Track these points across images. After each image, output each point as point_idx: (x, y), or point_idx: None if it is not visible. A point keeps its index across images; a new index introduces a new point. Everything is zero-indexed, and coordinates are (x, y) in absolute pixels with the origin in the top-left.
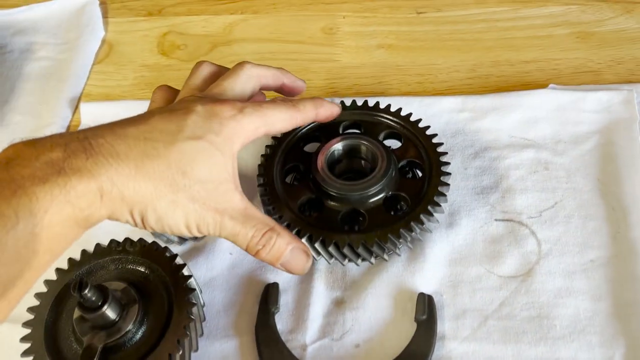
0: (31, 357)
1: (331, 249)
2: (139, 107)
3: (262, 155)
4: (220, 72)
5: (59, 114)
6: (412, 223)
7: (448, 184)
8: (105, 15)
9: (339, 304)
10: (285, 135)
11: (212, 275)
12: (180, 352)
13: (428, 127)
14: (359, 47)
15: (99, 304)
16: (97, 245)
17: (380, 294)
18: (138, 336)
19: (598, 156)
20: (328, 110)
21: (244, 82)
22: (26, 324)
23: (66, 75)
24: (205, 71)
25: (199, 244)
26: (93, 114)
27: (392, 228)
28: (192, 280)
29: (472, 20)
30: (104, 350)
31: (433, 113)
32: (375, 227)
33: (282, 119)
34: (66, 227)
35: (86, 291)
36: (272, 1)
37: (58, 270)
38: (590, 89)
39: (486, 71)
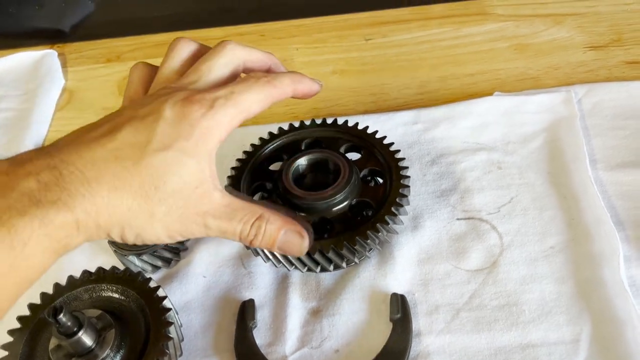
0: None
1: (303, 257)
2: None
3: (228, 177)
4: (201, 52)
5: None
6: (377, 225)
7: (408, 186)
8: (64, 65)
9: (315, 313)
10: (250, 156)
11: (187, 299)
12: None
13: (384, 137)
14: (314, 75)
15: (75, 329)
16: (70, 277)
17: (355, 298)
18: None
19: (546, 152)
20: (307, 87)
21: (224, 65)
22: None
23: (28, 123)
24: (184, 52)
25: (171, 270)
26: None
27: (359, 231)
28: (167, 300)
29: (417, 42)
30: None
31: (389, 127)
32: (344, 233)
33: (257, 101)
34: (45, 257)
35: (61, 316)
36: (226, 35)
37: (31, 305)
38: (532, 93)
39: (434, 86)
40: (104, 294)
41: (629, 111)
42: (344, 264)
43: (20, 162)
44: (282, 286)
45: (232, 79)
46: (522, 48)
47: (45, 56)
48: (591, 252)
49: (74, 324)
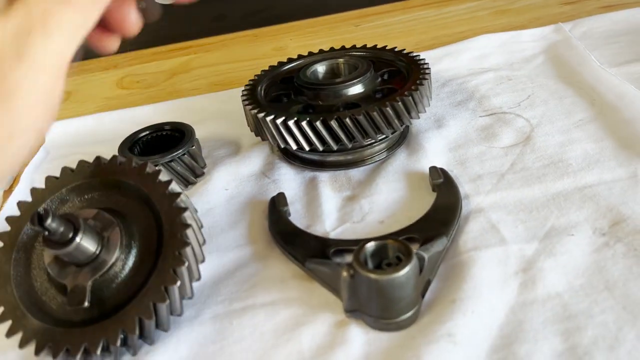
0: (9, 322)
1: (334, 124)
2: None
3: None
4: None
5: None
6: (406, 92)
7: (430, 69)
8: None
9: (350, 199)
10: (268, 72)
11: (210, 207)
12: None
13: (395, 47)
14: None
15: (70, 235)
16: (48, 179)
17: (390, 180)
18: (130, 263)
19: (551, 65)
20: None
21: None
22: None
23: None
24: None
25: (189, 191)
26: (56, 131)
27: (390, 97)
28: (174, 185)
29: (403, 22)
30: (94, 289)
31: None
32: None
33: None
34: None
35: (49, 221)
36: (221, 40)
37: (9, 218)
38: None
39: (429, 43)
40: (95, 191)
41: (616, 33)
42: (378, 136)
43: None
44: (310, 185)
45: None
46: (502, 12)
47: None
48: (622, 118)
49: (68, 229)
